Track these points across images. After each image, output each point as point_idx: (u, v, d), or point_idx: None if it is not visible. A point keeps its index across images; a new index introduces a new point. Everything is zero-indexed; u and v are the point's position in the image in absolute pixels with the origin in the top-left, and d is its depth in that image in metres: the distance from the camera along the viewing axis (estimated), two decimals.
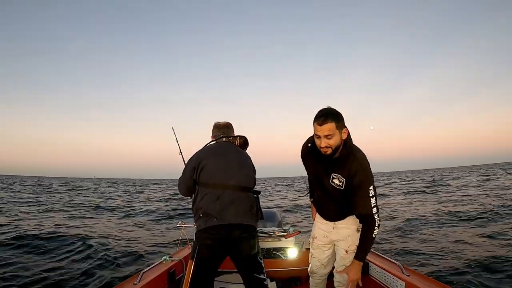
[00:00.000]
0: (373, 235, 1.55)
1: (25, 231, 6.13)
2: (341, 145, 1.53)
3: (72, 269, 4.11)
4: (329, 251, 1.83)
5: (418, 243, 5.23)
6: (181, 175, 1.85)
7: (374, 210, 1.53)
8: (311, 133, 1.61)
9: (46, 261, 4.42)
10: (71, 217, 9.17)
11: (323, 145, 1.49)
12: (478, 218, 7.10)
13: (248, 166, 1.84)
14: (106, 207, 12.19)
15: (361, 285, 1.69)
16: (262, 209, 1.90)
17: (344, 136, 1.52)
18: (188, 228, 2.37)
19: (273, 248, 2.47)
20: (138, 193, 23.09)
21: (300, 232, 2.50)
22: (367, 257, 2.17)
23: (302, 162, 1.80)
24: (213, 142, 1.90)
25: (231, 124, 2.00)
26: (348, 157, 1.55)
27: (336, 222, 1.74)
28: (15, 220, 8.04)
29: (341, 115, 1.51)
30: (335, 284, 1.84)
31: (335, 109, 1.52)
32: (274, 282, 2.30)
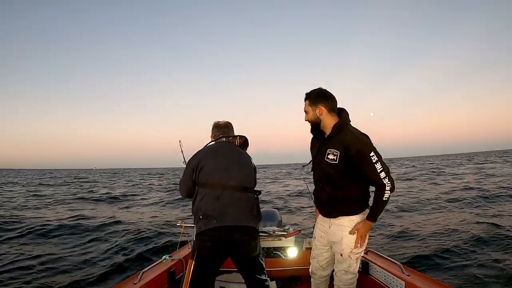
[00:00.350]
0: (383, 199, 1.58)
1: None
2: (321, 122, 1.68)
3: (73, 262, 4.18)
4: (327, 253, 1.83)
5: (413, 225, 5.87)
6: (182, 176, 1.85)
7: (382, 174, 1.56)
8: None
9: (47, 255, 4.42)
10: (93, 208, 9.62)
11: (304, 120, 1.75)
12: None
13: (248, 166, 1.83)
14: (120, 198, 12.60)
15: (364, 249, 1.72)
16: (262, 209, 1.89)
17: (320, 114, 1.66)
18: (188, 228, 2.37)
19: (273, 247, 2.47)
20: (138, 183, 23.54)
21: (300, 231, 2.50)
22: (367, 257, 2.20)
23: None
24: (212, 143, 1.89)
25: (231, 124, 1.98)
26: (341, 131, 1.64)
27: (331, 220, 1.73)
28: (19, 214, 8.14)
29: (318, 94, 1.68)
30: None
31: (317, 89, 1.70)
32: (274, 281, 2.30)
